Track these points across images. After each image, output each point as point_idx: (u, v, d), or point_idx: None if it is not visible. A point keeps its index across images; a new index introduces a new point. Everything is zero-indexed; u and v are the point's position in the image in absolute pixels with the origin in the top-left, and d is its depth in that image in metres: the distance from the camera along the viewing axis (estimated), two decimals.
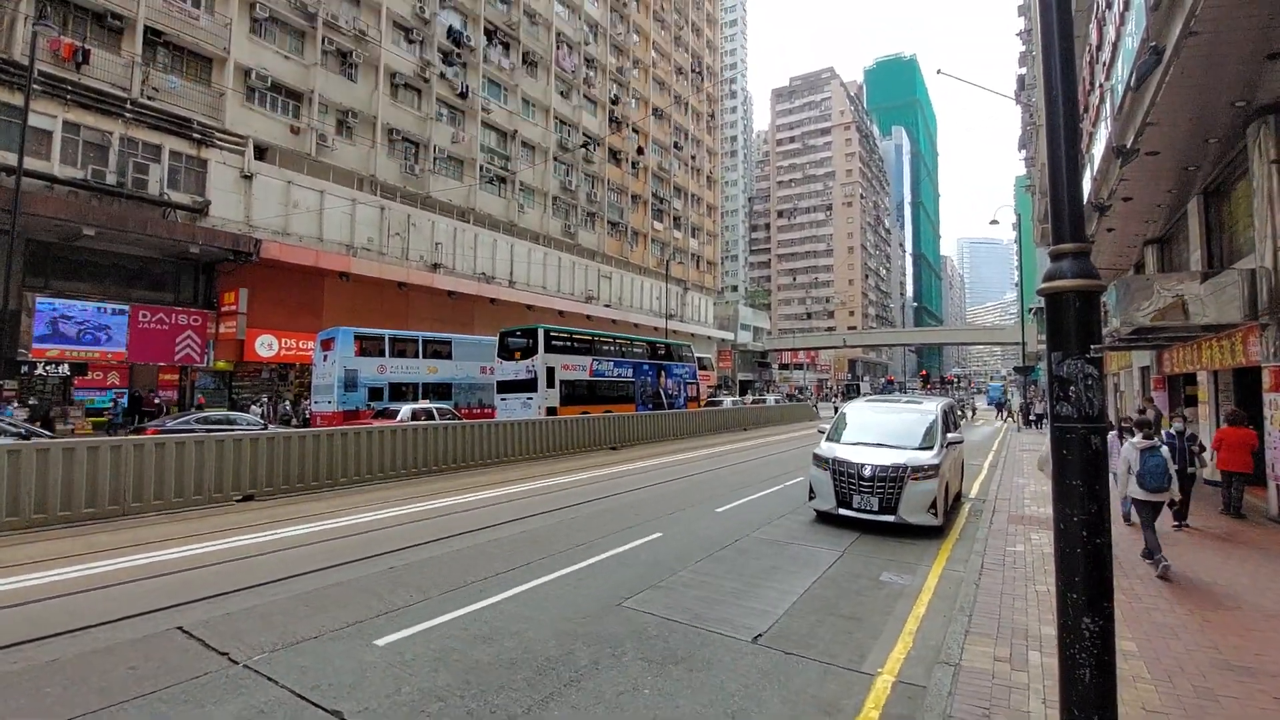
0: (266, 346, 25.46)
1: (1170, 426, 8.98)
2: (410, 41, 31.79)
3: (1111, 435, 8.01)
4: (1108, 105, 11.27)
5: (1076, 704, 3.05)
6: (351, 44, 28.50)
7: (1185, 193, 13.16)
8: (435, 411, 18.01)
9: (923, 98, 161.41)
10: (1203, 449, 8.58)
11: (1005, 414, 39.45)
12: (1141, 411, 14.80)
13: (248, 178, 24.61)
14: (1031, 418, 32.44)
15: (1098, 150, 12.36)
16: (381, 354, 23.35)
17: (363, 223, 28.81)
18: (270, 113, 25.96)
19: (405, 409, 17.63)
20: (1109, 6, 10.65)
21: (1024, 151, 37.15)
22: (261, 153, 25.78)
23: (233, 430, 15.05)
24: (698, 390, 34.97)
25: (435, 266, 31.90)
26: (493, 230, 36.09)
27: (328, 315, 27.09)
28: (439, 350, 25.76)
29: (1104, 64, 11.51)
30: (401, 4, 31.16)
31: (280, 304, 26.01)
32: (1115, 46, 10.25)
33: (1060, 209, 3.28)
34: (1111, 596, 3.09)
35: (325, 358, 22.60)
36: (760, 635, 5.13)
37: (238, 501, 10.53)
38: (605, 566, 6.95)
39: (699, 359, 41.35)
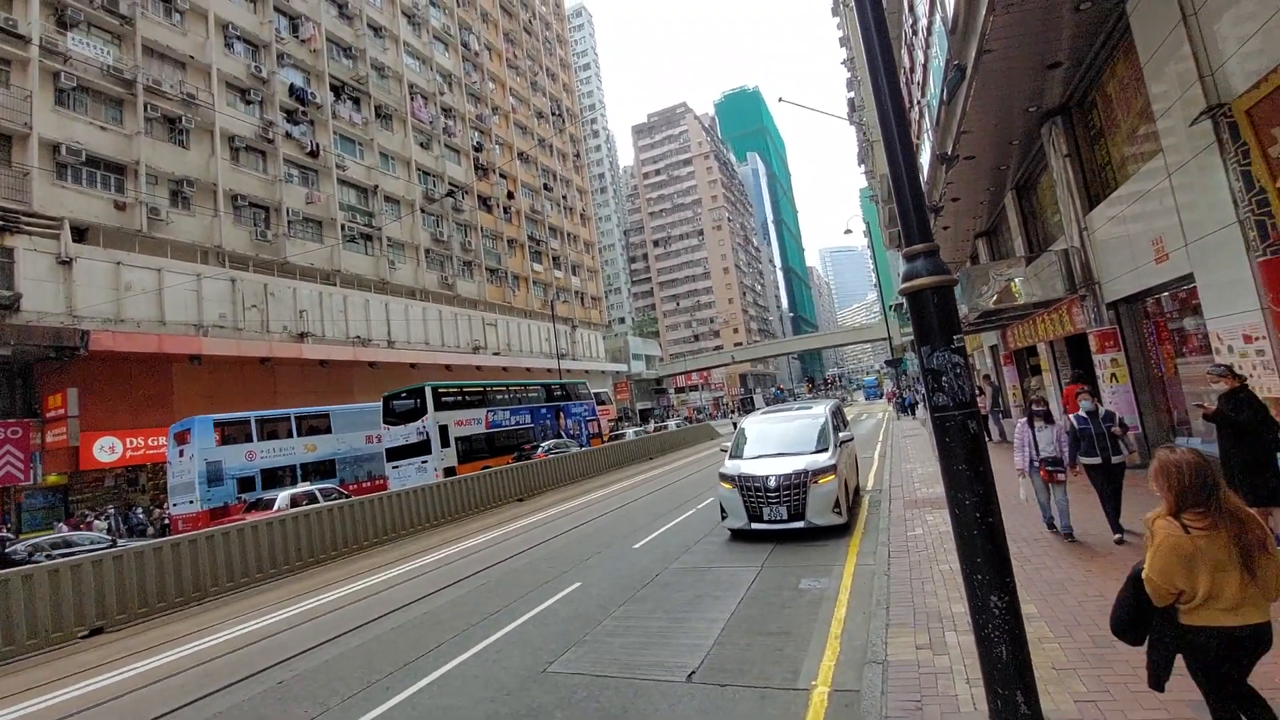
0: (108, 450, 22.35)
1: (1076, 408, 7.36)
2: (248, 102, 29.89)
3: (1021, 422, 7.05)
4: (927, 119, 12.58)
5: (999, 681, 3.13)
6: (180, 109, 26.32)
7: (1001, 189, 14.91)
8: (318, 493, 16.48)
9: (769, 125, 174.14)
10: (1125, 429, 6.91)
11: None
12: (986, 387, 16.43)
13: (66, 263, 21.77)
14: (907, 405, 35.07)
15: (924, 159, 13.76)
16: (248, 439, 21.26)
17: (212, 298, 26.30)
18: (88, 189, 23.26)
19: (282, 495, 16.01)
20: (915, 33, 11.95)
21: (863, 166, 40.86)
22: (82, 234, 22.98)
23: (70, 555, 12.92)
24: (599, 426, 34.96)
25: (302, 336, 29.69)
26: (363, 290, 34.28)
27: (180, 405, 24.32)
28: (316, 425, 23.85)
29: (918, 83, 12.87)
30: (234, 65, 29.32)
31: (121, 400, 23.08)
32: (925, 68, 11.48)
33: (907, 215, 3.49)
34: (1011, 571, 3.22)
35: (181, 453, 20.28)
36: (694, 672, 4.96)
37: (84, 638, 8.95)
38: (524, 631, 6.51)
39: (596, 394, 41.51)
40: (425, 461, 22.05)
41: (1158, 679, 2.76)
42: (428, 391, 22.76)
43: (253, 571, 11.35)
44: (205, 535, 10.97)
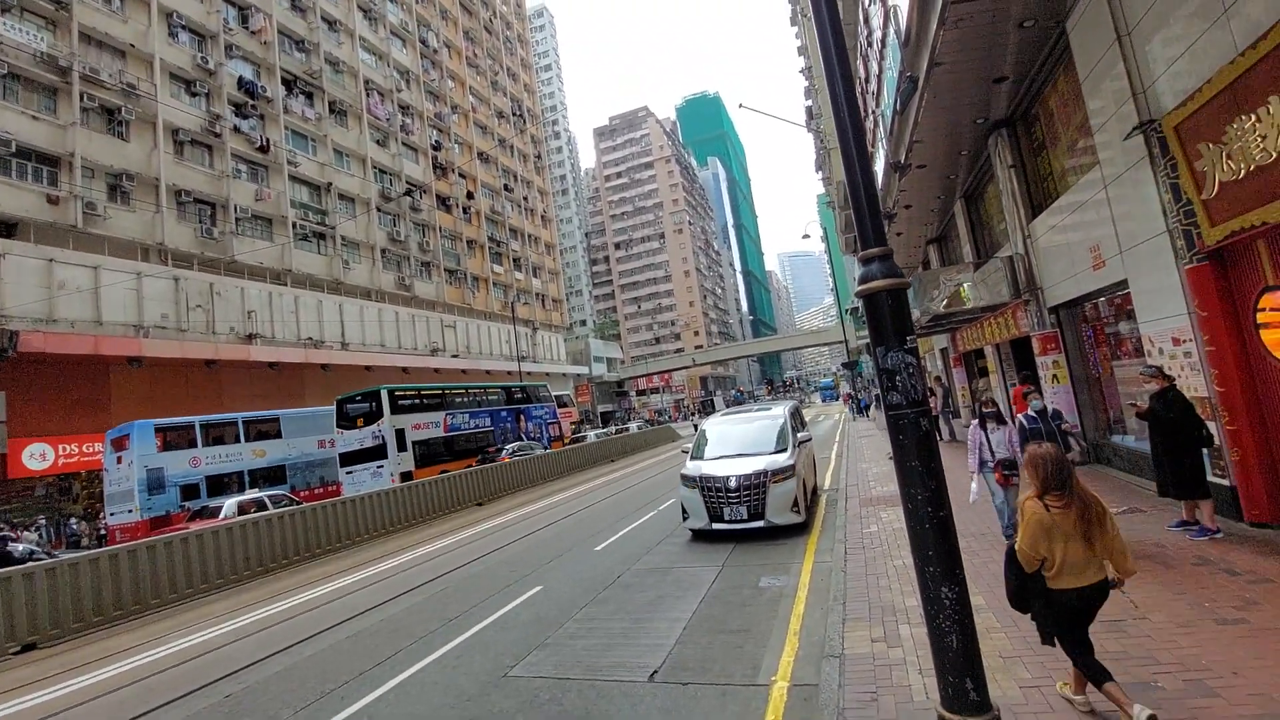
0: (38, 458, 21.12)
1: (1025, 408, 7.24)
2: (193, 94, 28.71)
3: (973, 424, 6.91)
4: (881, 128, 12.95)
5: (950, 670, 3.24)
6: (119, 99, 25.08)
7: (951, 197, 15.44)
8: (267, 500, 15.92)
9: (730, 130, 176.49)
10: (1074, 427, 6.95)
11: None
12: (937, 388, 16.97)
13: None
14: (863, 406, 35.91)
15: (879, 167, 14.15)
16: (192, 444, 20.36)
17: (154, 298, 25.14)
18: (18, 182, 21.95)
19: (229, 502, 15.38)
20: (870, 45, 12.29)
21: (821, 172, 41.75)
22: (10, 229, 21.70)
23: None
24: (560, 429, 34.75)
25: (251, 337, 28.65)
26: (316, 290, 33.29)
27: (118, 410, 23.14)
28: (265, 430, 23.02)
29: (873, 93, 13.23)
30: (178, 54, 28.12)
31: (54, 404, 21.85)
32: (880, 79, 11.82)
33: (863, 220, 3.59)
34: (961, 564, 3.34)
35: (120, 459, 19.27)
36: (656, 672, 4.98)
37: (16, 654, 8.44)
38: (484, 636, 6.43)
39: (558, 397, 41.35)
40: (381, 466, 21.54)
41: (1046, 636, 3.55)
42: (383, 394, 22.25)
43: (197, 582, 10.88)
44: (146, 545, 10.47)
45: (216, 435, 21.33)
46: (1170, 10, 5.94)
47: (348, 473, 22.10)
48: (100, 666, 7.39)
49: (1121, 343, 9.12)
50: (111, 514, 19.52)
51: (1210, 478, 6.33)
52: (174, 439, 20.04)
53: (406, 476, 21.15)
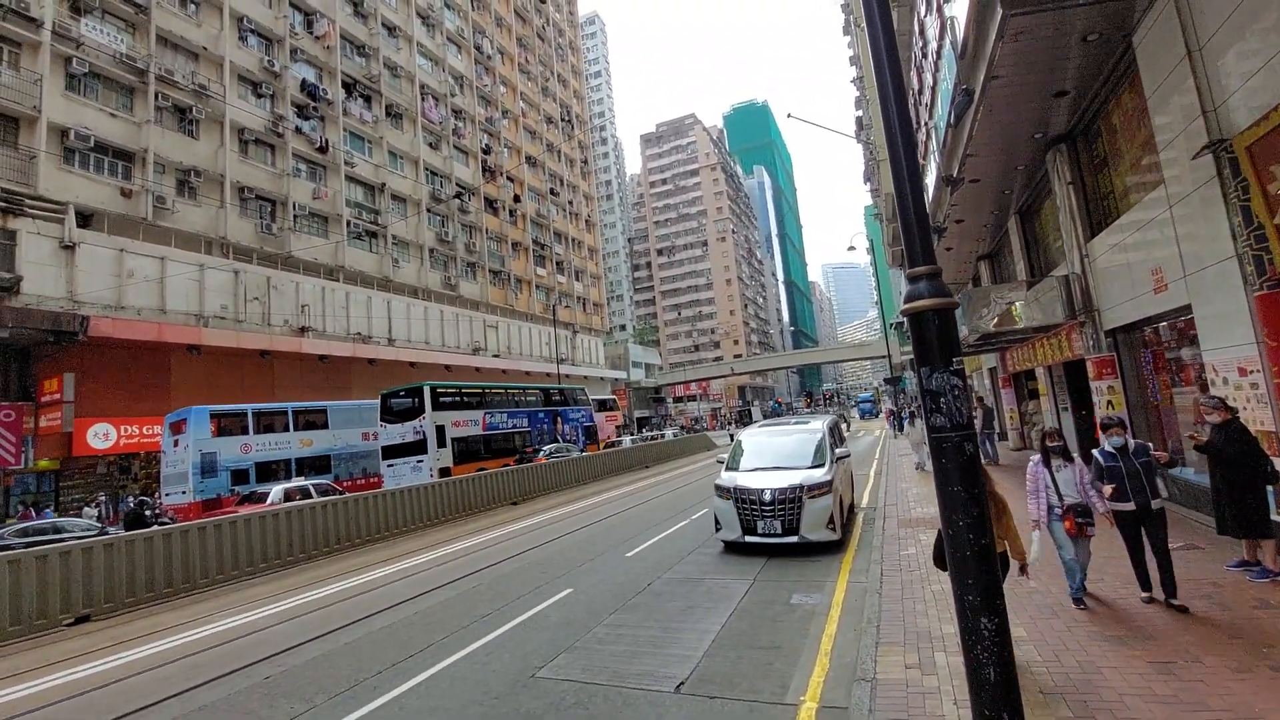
0: (101, 437, 22.29)
1: (1104, 442, 5.82)
2: (259, 96, 30.03)
3: (1034, 461, 5.79)
4: (934, 140, 12.68)
5: (986, 703, 3.15)
6: (191, 99, 26.43)
7: (1005, 213, 15.00)
8: (312, 489, 16.45)
9: (777, 139, 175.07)
10: (1163, 457, 5.89)
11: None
12: (979, 409, 16.42)
13: (69, 248, 21.80)
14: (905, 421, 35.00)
15: (930, 180, 13.86)
16: (244, 431, 21.23)
17: (214, 289, 26.33)
18: (95, 175, 23.32)
19: (275, 490, 15.95)
20: (925, 56, 12.07)
21: (869, 184, 41.08)
22: (86, 219, 23.02)
23: (62, 540, 12.88)
24: (595, 434, 34.98)
25: (303, 330, 29.71)
26: (366, 287, 34.32)
27: (177, 395, 24.27)
28: (313, 420, 23.81)
29: (926, 105, 12.98)
30: (247, 58, 29.47)
31: (118, 387, 23.03)
32: (934, 90, 11.59)
33: (911, 237, 3.54)
34: (1002, 594, 3.26)
35: (176, 442, 20.22)
36: (683, 683, 4.97)
37: (69, 625, 8.93)
38: (514, 635, 6.52)
39: (603, 400, 42.00)
40: (421, 461, 22.09)
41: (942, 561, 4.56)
42: (426, 391, 22.81)
43: (243, 565, 11.33)
44: (198, 526, 10.96)
45: (267, 423, 22.17)
46: (1246, 24, 5.67)
47: (389, 465, 22.74)
48: (148, 641, 7.75)
49: (1183, 370, 8.70)
50: (167, 494, 20.48)
51: (1274, 516, 5.98)
52: (228, 425, 20.93)
53: (445, 472, 21.65)
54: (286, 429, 22.71)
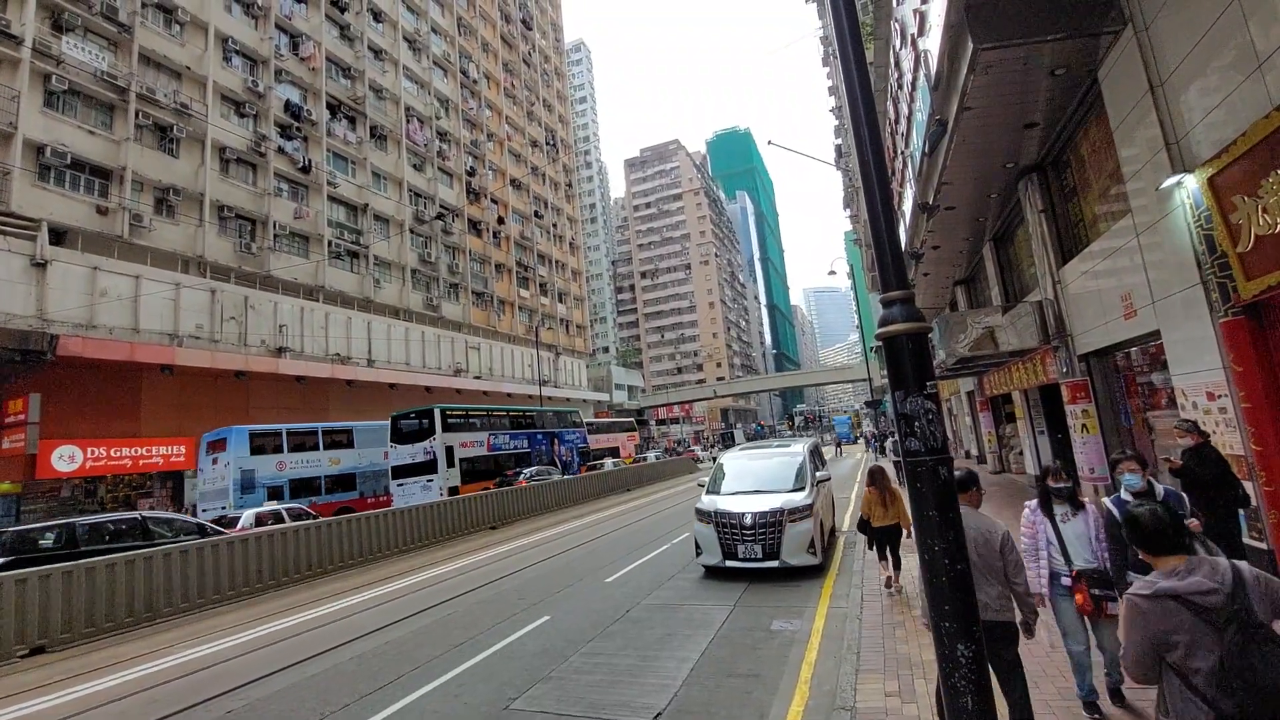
0: (67, 459, 21.60)
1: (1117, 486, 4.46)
2: (242, 115, 29.92)
3: (1029, 507, 4.43)
4: (909, 169, 12.96)
5: None
6: (172, 118, 26.23)
7: (980, 240, 15.31)
8: (284, 513, 16.07)
9: (759, 164, 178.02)
10: (1198, 526, 4.12)
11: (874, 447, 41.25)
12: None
13: (40, 265, 21.34)
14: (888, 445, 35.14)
15: (907, 207, 14.13)
16: (278, 450, 22.16)
17: (190, 308, 25.87)
18: (71, 192, 22.95)
19: (246, 514, 15.61)
20: (900, 87, 12.38)
21: (848, 210, 41.82)
22: (60, 237, 22.59)
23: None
24: (589, 454, 36.34)
25: (280, 351, 29.25)
26: (346, 308, 33.98)
27: (147, 416, 23.77)
28: (340, 440, 24.71)
29: (902, 134, 13.27)
30: (230, 78, 29.40)
31: (87, 408, 22.45)
32: (909, 120, 11.87)
33: (885, 262, 3.56)
34: (979, 620, 3.22)
35: (215, 460, 21.20)
36: (660, 714, 4.85)
37: (23, 657, 8.53)
38: (488, 665, 6.34)
39: (624, 421, 45.20)
40: (431, 480, 23.07)
41: (870, 545, 8.15)
42: (437, 413, 24.00)
43: (209, 593, 10.95)
44: (163, 552, 10.58)
45: (299, 442, 23.04)
46: (1205, 62, 5.89)
47: (399, 484, 23.66)
48: (107, 674, 7.43)
49: (1155, 394, 8.85)
50: (204, 510, 20.86)
51: (1246, 539, 6.06)
52: (263, 444, 21.80)
53: (454, 491, 22.62)
54: (316, 448, 23.53)
